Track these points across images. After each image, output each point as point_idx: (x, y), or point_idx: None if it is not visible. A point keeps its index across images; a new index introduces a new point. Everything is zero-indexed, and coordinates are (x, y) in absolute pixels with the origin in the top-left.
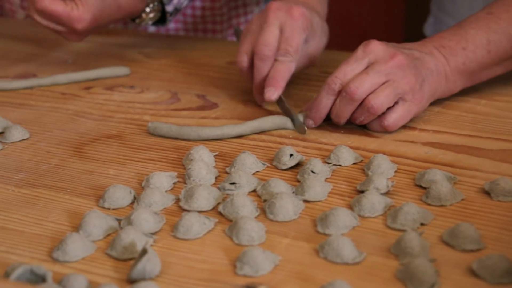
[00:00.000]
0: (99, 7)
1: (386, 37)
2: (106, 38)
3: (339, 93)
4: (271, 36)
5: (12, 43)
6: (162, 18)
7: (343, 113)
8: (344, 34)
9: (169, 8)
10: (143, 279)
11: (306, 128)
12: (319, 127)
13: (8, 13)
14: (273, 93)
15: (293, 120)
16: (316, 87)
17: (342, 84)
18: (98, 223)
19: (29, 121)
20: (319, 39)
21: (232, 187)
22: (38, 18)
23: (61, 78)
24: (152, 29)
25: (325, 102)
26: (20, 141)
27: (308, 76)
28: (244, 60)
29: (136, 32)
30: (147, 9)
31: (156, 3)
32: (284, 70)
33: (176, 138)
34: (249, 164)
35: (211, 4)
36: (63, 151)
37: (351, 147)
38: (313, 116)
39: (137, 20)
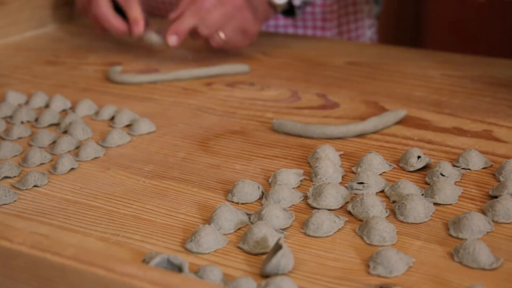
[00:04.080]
0: None
1: (495, 44)
2: None
3: None
4: None
5: (131, 38)
6: (291, 10)
7: None
8: (450, 38)
9: (296, 1)
10: (277, 274)
11: None
12: (445, 130)
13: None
14: None
15: None
16: (437, 89)
17: None
18: (229, 216)
19: (154, 114)
20: None
21: (360, 186)
22: None
23: (183, 73)
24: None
25: None
26: (147, 133)
27: (430, 79)
28: None
29: None
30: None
31: None
32: None
33: (300, 136)
34: (376, 165)
35: (322, 1)
36: (188, 145)
37: (479, 151)
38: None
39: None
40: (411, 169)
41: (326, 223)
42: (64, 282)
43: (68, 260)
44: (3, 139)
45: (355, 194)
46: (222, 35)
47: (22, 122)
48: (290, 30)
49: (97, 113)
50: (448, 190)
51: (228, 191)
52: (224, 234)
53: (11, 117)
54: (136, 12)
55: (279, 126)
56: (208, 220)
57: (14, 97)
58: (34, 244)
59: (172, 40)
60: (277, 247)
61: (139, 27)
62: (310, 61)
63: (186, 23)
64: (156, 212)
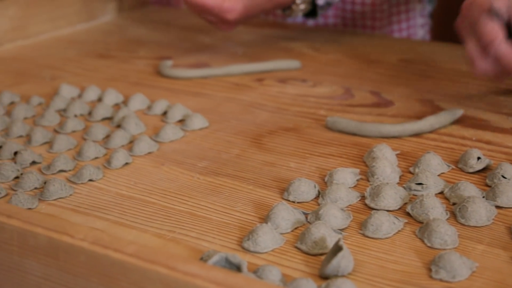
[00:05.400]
0: None
1: None
2: (273, 31)
3: None
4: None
5: (182, 33)
6: (313, 11)
7: None
8: None
9: (320, 1)
10: (336, 276)
11: None
12: (504, 131)
13: (173, 2)
14: None
15: None
16: (493, 88)
17: None
18: (286, 215)
19: (206, 110)
20: None
21: (419, 187)
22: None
23: (234, 68)
24: (311, 22)
25: None
26: (200, 129)
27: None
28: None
29: (302, 26)
30: (298, 0)
31: None
32: None
33: (354, 134)
34: (434, 165)
35: (372, 0)
36: (242, 141)
37: None
38: None
39: (287, 11)
40: (471, 170)
41: (385, 224)
42: (125, 279)
43: (130, 257)
44: (57, 132)
45: (413, 195)
46: None
47: (75, 116)
48: (340, 29)
49: (149, 107)
50: (511, 193)
51: (283, 189)
52: (281, 234)
53: (64, 110)
54: None
55: (333, 124)
56: (264, 219)
57: (68, 90)
58: (96, 240)
59: None
60: (337, 248)
61: None
62: (362, 58)
63: None
64: (212, 209)
